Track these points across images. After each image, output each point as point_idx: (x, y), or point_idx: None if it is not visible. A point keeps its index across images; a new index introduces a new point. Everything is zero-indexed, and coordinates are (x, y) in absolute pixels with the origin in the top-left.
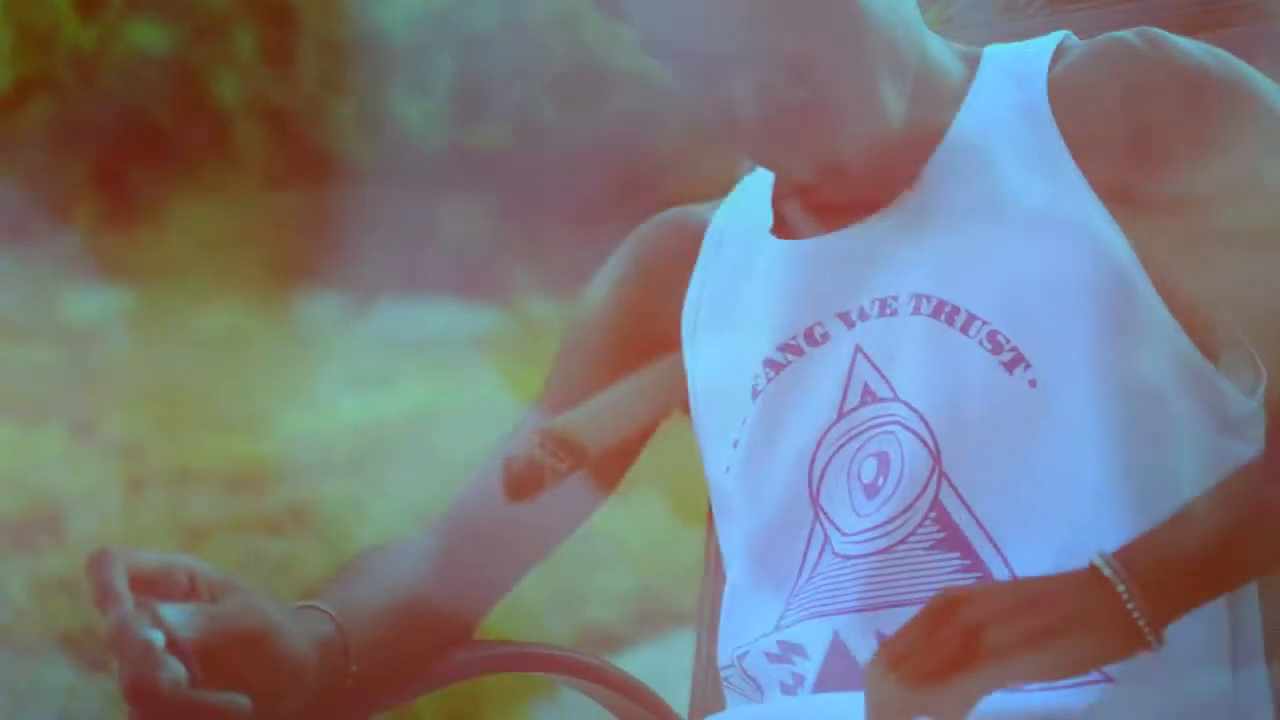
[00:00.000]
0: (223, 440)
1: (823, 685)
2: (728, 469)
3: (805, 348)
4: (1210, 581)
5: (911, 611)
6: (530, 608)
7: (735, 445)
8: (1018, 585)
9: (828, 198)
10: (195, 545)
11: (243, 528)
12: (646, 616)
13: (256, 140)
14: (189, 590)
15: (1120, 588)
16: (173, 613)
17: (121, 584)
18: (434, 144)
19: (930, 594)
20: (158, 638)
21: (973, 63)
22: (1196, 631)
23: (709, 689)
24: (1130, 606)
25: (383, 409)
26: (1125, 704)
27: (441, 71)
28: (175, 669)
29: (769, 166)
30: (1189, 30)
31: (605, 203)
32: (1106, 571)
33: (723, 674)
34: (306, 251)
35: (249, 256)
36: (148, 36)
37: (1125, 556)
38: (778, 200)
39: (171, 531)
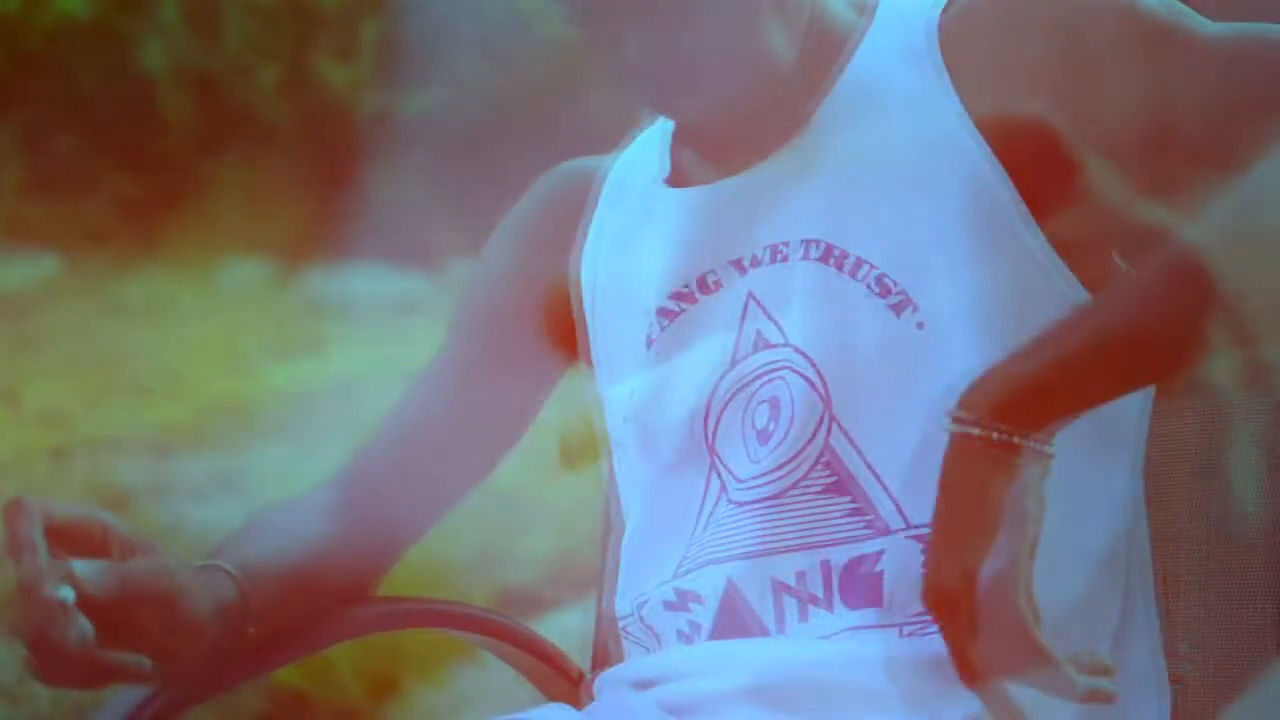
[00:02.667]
0: (147, 406)
1: (718, 632)
2: (624, 419)
3: (698, 295)
4: (1066, 393)
5: (804, 556)
6: (450, 570)
7: (631, 395)
8: (938, 531)
9: (720, 143)
10: (118, 511)
11: (167, 494)
12: (568, 579)
13: (182, 106)
14: (101, 545)
15: (975, 431)
16: (83, 568)
17: (36, 534)
18: (361, 109)
19: (822, 538)
20: (68, 594)
21: (868, 7)
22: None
23: (611, 644)
24: (994, 436)
25: (309, 374)
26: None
27: (369, 36)
28: (83, 626)
29: (658, 110)
30: None
31: (534, 166)
32: (955, 429)
33: (620, 624)
34: (232, 217)
35: (175, 223)
36: (72, 2)
37: (967, 403)
38: (675, 148)
39: (95, 498)
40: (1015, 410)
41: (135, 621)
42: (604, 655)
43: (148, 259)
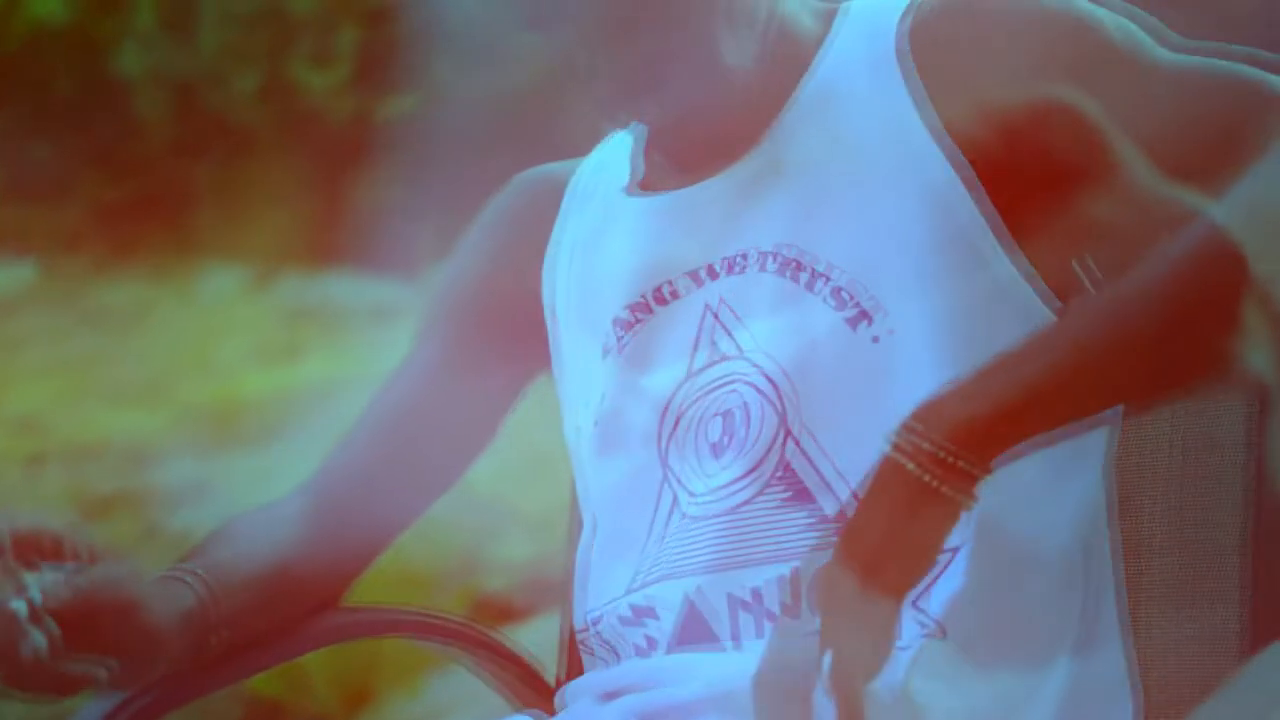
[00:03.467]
0: (124, 413)
1: (676, 647)
2: (579, 430)
3: (655, 306)
4: (1013, 419)
5: (762, 570)
6: (425, 577)
7: (586, 405)
8: (853, 525)
9: (681, 151)
10: (95, 519)
11: (142, 502)
12: (543, 586)
13: (159, 111)
14: (57, 553)
15: (910, 466)
16: (37, 580)
17: None
18: (339, 115)
19: (780, 552)
20: (21, 608)
21: (831, 16)
22: (1043, 590)
23: (581, 653)
24: (926, 478)
25: (287, 381)
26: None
27: (346, 41)
28: (37, 639)
29: (616, 115)
30: None
31: (512, 172)
32: (895, 456)
33: (578, 638)
34: (210, 223)
35: (152, 229)
36: (48, 8)
37: (915, 426)
38: (642, 155)
39: (72, 505)
40: (969, 435)
41: (91, 631)
42: (575, 664)
43: (125, 265)
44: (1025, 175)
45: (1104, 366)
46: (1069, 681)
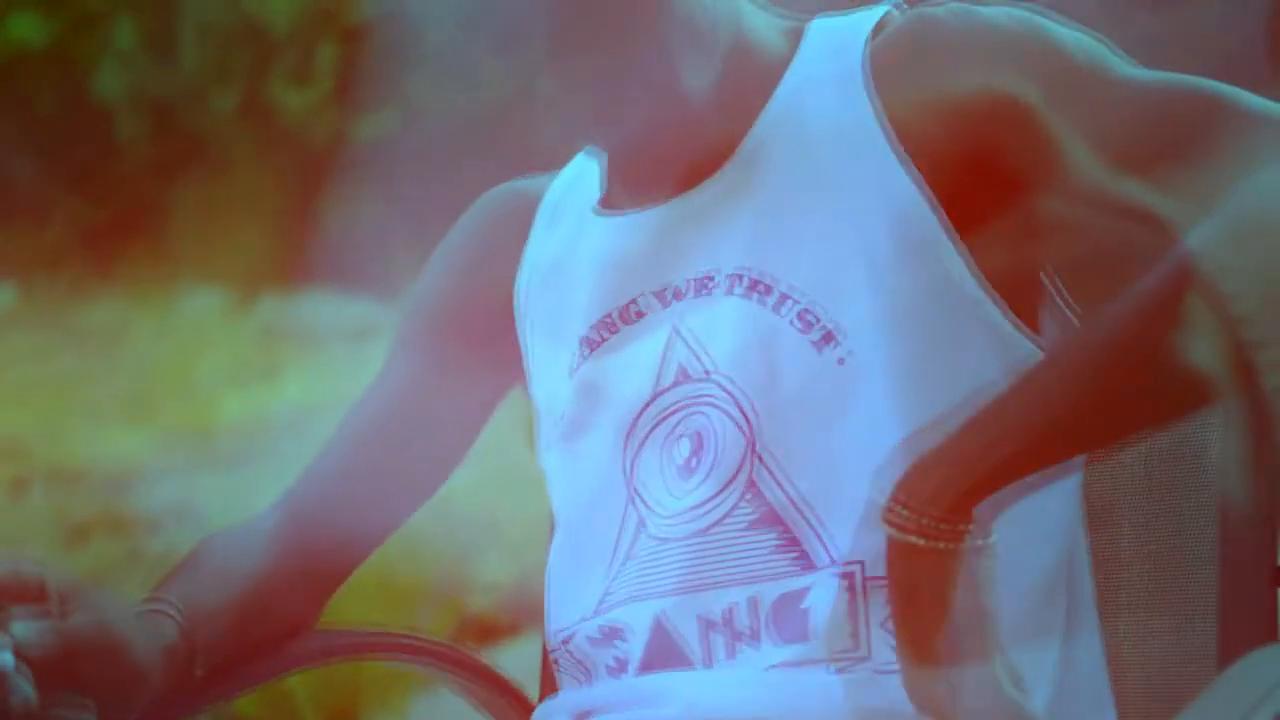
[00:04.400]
0: (104, 437)
1: (648, 667)
2: (548, 447)
3: (620, 325)
4: (997, 470)
5: (731, 592)
6: (407, 598)
7: (554, 423)
8: (900, 626)
9: (644, 172)
10: (76, 543)
11: (124, 525)
12: (526, 605)
13: (138, 132)
14: (39, 594)
15: (894, 533)
16: (23, 631)
17: None
18: (317, 133)
19: (749, 574)
20: (8, 661)
21: (797, 36)
22: (1027, 608)
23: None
24: (915, 539)
25: (266, 402)
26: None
27: (324, 59)
28: (24, 690)
29: (577, 140)
30: None
31: (488, 187)
32: (897, 536)
33: (551, 655)
34: (189, 244)
35: (132, 249)
36: (27, 29)
37: (901, 490)
38: (604, 175)
39: (54, 530)
40: (956, 497)
41: (78, 677)
42: (551, 683)
43: (105, 286)
44: (982, 186)
45: (1079, 419)
46: (1052, 697)
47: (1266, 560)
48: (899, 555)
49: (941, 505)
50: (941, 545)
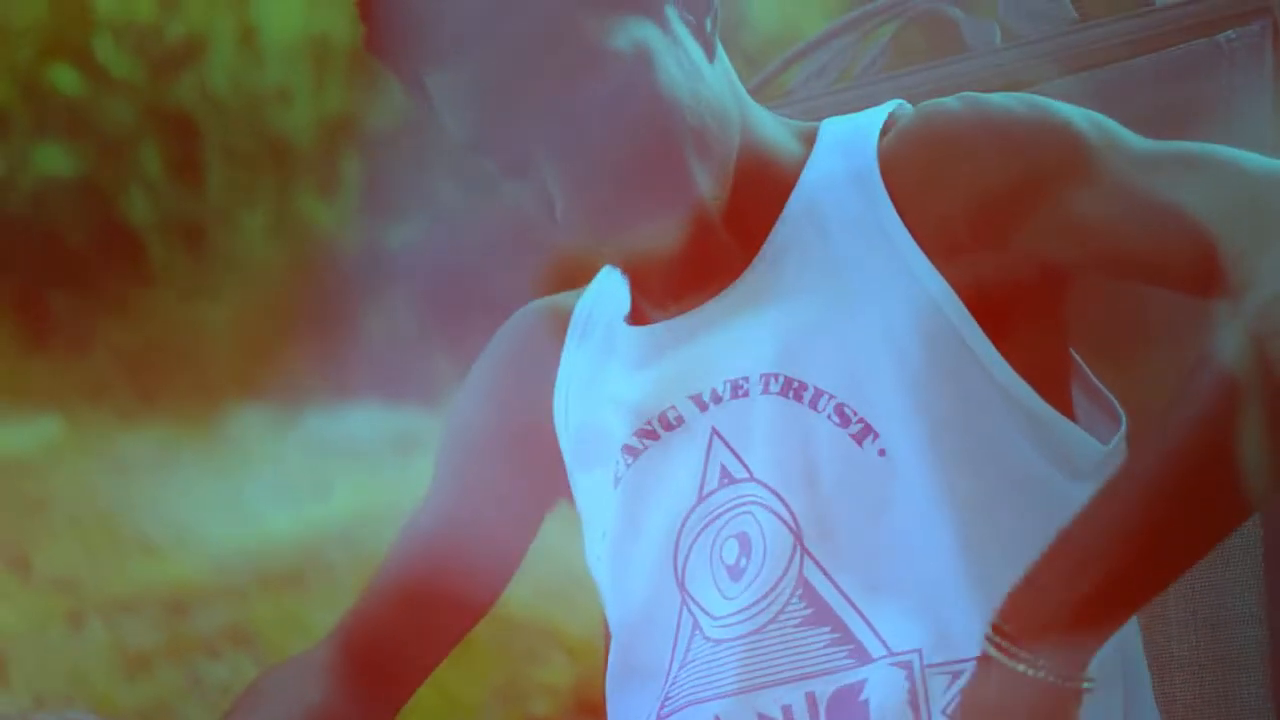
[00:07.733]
0: (157, 563)
1: None
2: (599, 558)
3: (661, 432)
4: (1099, 614)
5: (788, 689)
6: (469, 708)
7: (604, 536)
8: None
9: (660, 283)
10: (138, 673)
11: (183, 652)
12: (587, 708)
13: (171, 255)
14: None
15: (1019, 666)
16: None
17: None
18: (349, 246)
19: (805, 671)
20: None
21: (809, 138)
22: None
23: None
24: (1031, 673)
25: (316, 519)
26: None
27: (350, 171)
28: None
29: (587, 252)
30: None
31: (521, 289)
32: (993, 652)
33: None
34: (230, 364)
35: (172, 373)
36: (54, 160)
37: (1007, 620)
38: (631, 284)
39: (114, 661)
40: (1066, 639)
41: None
42: None
43: (147, 412)
44: (1006, 270)
45: (1163, 550)
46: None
47: None
48: (1020, 688)
49: (1065, 645)
50: (1068, 685)
